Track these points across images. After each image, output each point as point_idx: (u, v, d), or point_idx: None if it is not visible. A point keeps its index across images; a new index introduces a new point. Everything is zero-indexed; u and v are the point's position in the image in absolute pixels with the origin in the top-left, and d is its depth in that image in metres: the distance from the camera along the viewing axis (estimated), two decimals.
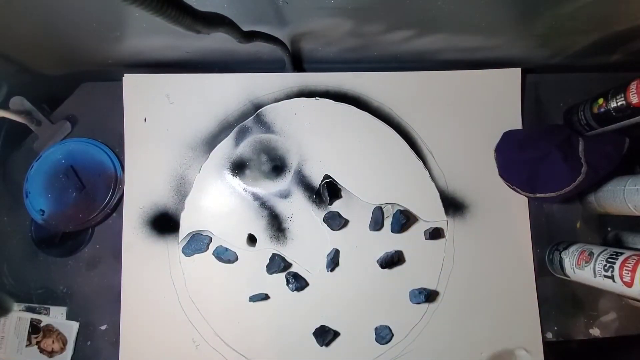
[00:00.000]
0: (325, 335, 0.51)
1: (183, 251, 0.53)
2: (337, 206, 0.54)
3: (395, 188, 0.54)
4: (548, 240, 0.56)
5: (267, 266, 0.53)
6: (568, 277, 0.51)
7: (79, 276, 0.55)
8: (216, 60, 0.56)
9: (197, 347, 0.52)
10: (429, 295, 0.52)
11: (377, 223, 0.53)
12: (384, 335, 0.52)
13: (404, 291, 0.53)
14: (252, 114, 0.55)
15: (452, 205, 0.55)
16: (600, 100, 0.49)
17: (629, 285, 0.42)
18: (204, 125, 0.56)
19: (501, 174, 0.55)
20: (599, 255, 0.46)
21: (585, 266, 0.47)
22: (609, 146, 0.49)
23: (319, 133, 0.55)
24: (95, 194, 0.54)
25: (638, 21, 0.46)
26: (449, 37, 0.50)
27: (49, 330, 0.54)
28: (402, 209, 0.54)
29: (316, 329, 0.52)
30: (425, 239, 0.54)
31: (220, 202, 0.54)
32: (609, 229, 0.56)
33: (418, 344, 0.53)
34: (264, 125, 0.55)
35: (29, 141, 0.57)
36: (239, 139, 0.55)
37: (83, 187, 0.54)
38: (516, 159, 0.53)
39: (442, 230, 0.54)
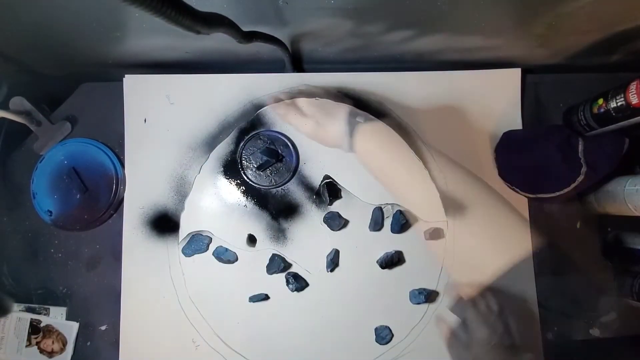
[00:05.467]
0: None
1: (183, 251, 0.53)
2: (337, 206, 0.54)
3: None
4: (548, 240, 0.55)
5: (267, 266, 0.53)
6: None
7: (78, 276, 0.55)
8: (216, 60, 0.56)
9: (197, 347, 0.52)
10: (429, 296, 0.52)
11: (377, 223, 0.53)
12: (384, 335, 0.52)
13: (404, 291, 0.53)
14: (252, 115, 0.55)
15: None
16: (600, 101, 0.49)
17: None
18: (204, 126, 0.56)
19: (501, 175, 0.55)
20: None
21: None
22: (609, 147, 0.49)
23: None
24: (98, 196, 0.54)
25: (638, 21, 0.46)
26: (449, 37, 0.50)
27: (48, 331, 0.53)
28: (402, 209, 0.54)
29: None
30: (425, 239, 0.54)
31: (220, 202, 0.54)
32: (609, 229, 0.56)
33: (418, 344, 0.53)
34: (264, 126, 0.55)
35: (28, 141, 0.57)
36: (239, 139, 0.55)
37: (86, 189, 0.54)
38: (516, 159, 0.53)
39: (442, 230, 0.54)
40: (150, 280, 0.53)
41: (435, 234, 0.53)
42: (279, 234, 0.54)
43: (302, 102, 0.51)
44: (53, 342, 0.53)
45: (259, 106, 0.56)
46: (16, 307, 0.54)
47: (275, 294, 0.53)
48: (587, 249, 0.56)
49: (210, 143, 0.55)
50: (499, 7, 0.44)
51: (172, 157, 0.55)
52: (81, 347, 0.54)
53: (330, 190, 0.53)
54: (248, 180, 0.54)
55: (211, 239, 0.53)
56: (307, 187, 0.54)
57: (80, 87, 0.58)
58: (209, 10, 0.30)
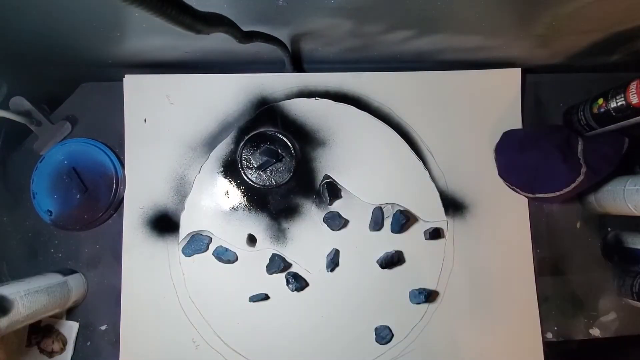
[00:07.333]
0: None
1: (183, 251, 0.53)
2: (337, 206, 0.54)
3: (395, 188, 0.54)
4: (548, 240, 0.56)
5: (267, 266, 0.53)
6: None
7: None
8: (216, 60, 0.56)
9: (197, 347, 0.52)
10: (429, 295, 0.52)
11: (377, 223, 0.53)
12: (384, 335, 0.52)
13: (404, 291, 0.53)
14: (252, 115, 0.55)
15: (452, 205, 0.55)
16: (600, 101, 0.49)
17: None
18: (204, 126, 0.56)
19: (501, 174, 0.55)
20: None
21: None
22: (609, 147, 0.49)
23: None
24: (99, 196, 0.54)
25: (638, 21, 0.46)
26: (449, 37, 0.50)
27: (48, 331, 0.53)
28: (402, 209, 0.54)
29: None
30: (425, 239, 0.54)
31: (220, 202, 0.54)
32: (609, 229, 0.56)
33: (418, 344, 0.53)
34: (264, 126, 0.55)
35: (28, 141, 0.57)
36: (239, 139, 0.55)
37: (86, 189, 0.54)
38: (516, 159, 0.53)
39: (442, 230, 0.54)
40: (150, 280, 0.53)
41: (435, 234, 0.53)
42: (279, 234, 0.54)
43: None
44: (53, 342, 0.53)
45: (259, 106, 0.56)
46: None
47: (275, 294, 0.53)
48: (587, 249, 0.56)
49: (210, 143, 0.55)
50: (499, 7, 0.44)
51: (172, 157, 0.55)
52: (81, 347, 0.54)
53: (331, 190, 0.53)
54: (248, 180, 0.54)
55: (211, 239, 0.53)
56: (307, 186, 0.54)
57: (80, 87, 0.58)
58: (209, 10, 0.30)
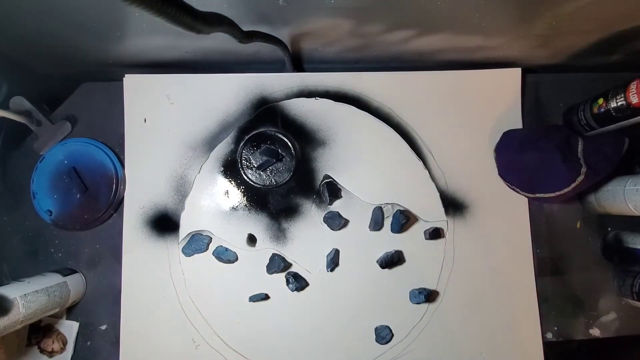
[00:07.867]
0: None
1: (183, 251, 0.53)
2: (337, 206, 0.54)
3: (395, 188, 0.54)
4: (548, 240, 0.56)
5: (267, 266, 0.53)
6: None
7: None
8: (216, 60, 0.56)
9: (197, 347, 0.52)
10: (429, 295, 0.52)
11: (377, 223, 0.53)
12: (384, 335, 0.52)
13: (404, 291, 0.53)
14: (252, 114, 0.55)
15: (452, 205, 0.55)
16: (600, 101, 0.49)
17: None
18: (204, 126, 0.56)
19: (501, 174, 0.55)
20: None
21: None
22: (609, 147, 0.49)
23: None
24: (99, 195, 0.54)
25: (638, 21, 0.46)
26: (449, 37, 0.50)
27: (49, 330, 0.53)
28: (402, 209, 0.54)
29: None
30: (425, 239, 0.54)
31: (220, 202, 0.54)
32: (609, 229, 0.56)
33: (418, 344, 0.53)
34: (264, 126, 0.55)
35: (29, 141, 0.57)
36: (239, 139, 0.55)
37: (86, 189, 0.54)
38: (516, 159, 0.53)
39: (442, 230, 0.54)
40: (150, 280, 0.53)
41: (435, 234, 0.53)
42: (279, 234, 0.54)
43: None
44: (53, 342, 0.53)
45: (259, 106, 0.56)
46: None
47: (275, 294, 0.53)
48: (587, 249, 0.56)
49: (210, 143, 0.55)
50: (499, 7, 0.44)
51: (172, 157, 0.55)
52: (81, 346, 0.54)
53: (330, 190, 0.53)
54: (248, 180, 0.54)
55: (211, 238, 0.53)
56: (307, 186, 0.54)
57: (80, 87, 0.58)
58: (209, 10, 0.30)
